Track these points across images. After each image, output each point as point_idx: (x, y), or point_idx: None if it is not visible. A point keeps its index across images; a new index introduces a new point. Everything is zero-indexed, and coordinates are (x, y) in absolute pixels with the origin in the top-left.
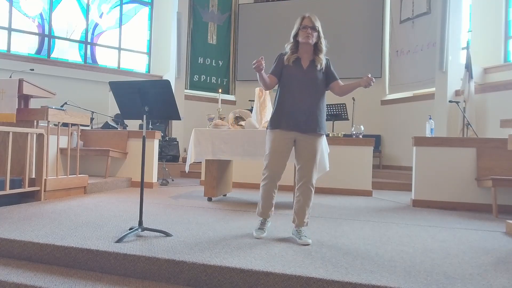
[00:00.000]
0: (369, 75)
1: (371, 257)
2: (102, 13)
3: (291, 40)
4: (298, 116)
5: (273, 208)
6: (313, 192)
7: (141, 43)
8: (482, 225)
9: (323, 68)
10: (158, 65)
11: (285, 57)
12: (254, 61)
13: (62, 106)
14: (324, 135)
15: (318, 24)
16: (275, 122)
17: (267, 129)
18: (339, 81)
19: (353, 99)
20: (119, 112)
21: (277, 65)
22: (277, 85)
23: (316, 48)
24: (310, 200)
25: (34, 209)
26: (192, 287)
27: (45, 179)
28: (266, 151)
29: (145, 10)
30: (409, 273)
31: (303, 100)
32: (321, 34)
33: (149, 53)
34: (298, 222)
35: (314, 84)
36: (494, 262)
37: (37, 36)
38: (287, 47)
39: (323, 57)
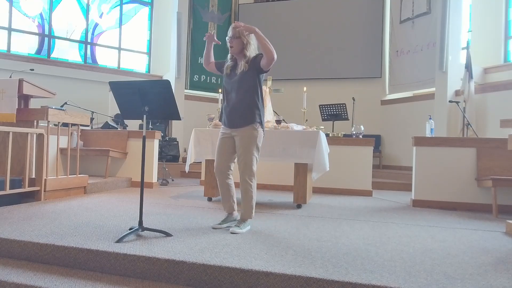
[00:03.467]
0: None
1: (371, 257)
2: (102, 13)
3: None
4: (228, 114)
5: (231, 203)
6: (251, 185)
7: (141, 43)
8: (482, 225)
9: (249, 64)
10: (158, 65)
11: (225, 67)
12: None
13: (62, 106)
14: (254, 126)
15: (240, 32)
16: (221, 120)
17: None
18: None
19: (353, 99)
20: (119, 112)
21: (222, 63)
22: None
23: (242, 54)
24: (247, 194)
25: (34, 209)
26: (192, 287)
27: (45, 179)
28: None
29: (145, 10)
30: (409, 273)
31: (232, 100)
32: (245, 41)
33: (149, 53)
34: (241, 214)
35: (242, 84)
36: (494, 262)
37: (37, 36)
38: (228, 57)
39: (246, 63)
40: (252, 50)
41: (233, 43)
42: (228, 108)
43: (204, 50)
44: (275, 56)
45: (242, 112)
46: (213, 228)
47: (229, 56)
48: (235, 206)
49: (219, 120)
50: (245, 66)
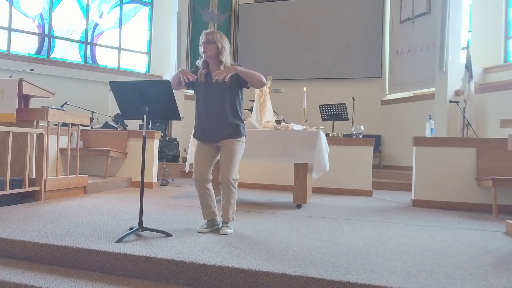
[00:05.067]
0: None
1: (371, 257)
2: (102, 13)
3: (202, 56)
4: (207, 128)
5: (212, 209)
6: (233, 190)
7: (141, 43)
8: (482, 225)
9: (230, 77)
10: (158, 65)
11: (198, 74)
12: (188, 76)
13: (62, 106)
14: (240, 137)
15: (214, 37)
16: (195, 134)
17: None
18: None
19: (353, 99)
20: (119, 112)
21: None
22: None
23: (218, 61)
24: (231, 197)
25: (34, 209)
26: (192, 287)
27: (45, 179)
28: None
29: (145, 10)
30: (409, 273)
31: (211, 112)
32: (220, 46)
33: (149, 53)
34: (224, 217)
35: (221, 94)
36: (494, 262)
37: (37, 36)
38: (199, 63)
39: (222, 68)
40: (228, 55)
41: (207, 48)
42: (209, 120)
43: (172, 77)
44: (265, 81)
45: (228, 126)
46: (198, 232)
47: (200, 62)
48: (216, 211)
49: (193, 136)
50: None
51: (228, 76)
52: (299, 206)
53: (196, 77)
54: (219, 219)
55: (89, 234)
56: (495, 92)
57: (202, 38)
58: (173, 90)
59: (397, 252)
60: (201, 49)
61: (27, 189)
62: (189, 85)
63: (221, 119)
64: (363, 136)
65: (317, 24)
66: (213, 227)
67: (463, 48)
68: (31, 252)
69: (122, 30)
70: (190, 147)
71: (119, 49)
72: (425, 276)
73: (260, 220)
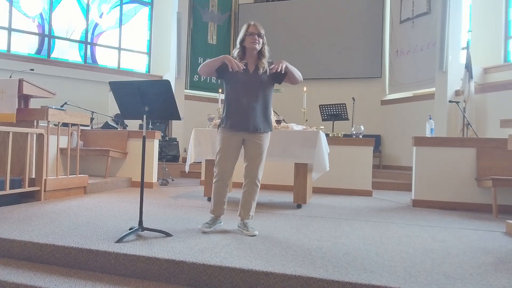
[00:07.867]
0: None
1: (371, 257)
2: (102, 13)
3: (238, 46)
4: (243, 117)
5: (224, 206)
6: (258, 188)
7: (141, 43)
8: (482, 225)
9: (268, 71)
10: (158, 65)
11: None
12: (234, 65)
13: (62, 106)
14: (269, 133)
15: (262, 31)
16: (224, 123)
17: (218, 128)
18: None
19: (353, 99)
20: (119, 112)
21: (224, 65)
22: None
23: (260, 53)
24: (256, 195)
25: (34, 209)
26: (192, 287)
27: (45, 179)
28: (216, 149)
29: (145, 10)
30: (409, 273)
31: (248, 102)
32: (265, 41)
33: (149, 53)
34: (244, 215)
35: (259, 86)
36: (494, 262)
37: (37, 36)
38: (235, 53)
39: (265, 62)
40: (267, 51)
41: (260, 41)
42: (244, 109)
43: (211, 60)
44: (302, 79)
45: (265, 117)
46: (200, 230)
47: (236, 52)
48: (225, 211)
49: (224, 124)
50: (262, 67)
51: (284, 66)
52: (299, 206)
53: (243, 67)
54: (222, 219)
55: (89, 234)
56: (495, 92)
57: (251, 29)
58: (173, 89)
59: (397, 252)
60: (248, 39)
61: (27, 189)
62: (221, 74)
63: (256, 110)
64: (363, 136)
65: (317, 24)
66: (215, 225)
67: (463, 48)
68: (31, 252)
69: (122, 30)
70: (190, 147)
71: (119, 49)
72: (425, 276)
73: (260, 220)
